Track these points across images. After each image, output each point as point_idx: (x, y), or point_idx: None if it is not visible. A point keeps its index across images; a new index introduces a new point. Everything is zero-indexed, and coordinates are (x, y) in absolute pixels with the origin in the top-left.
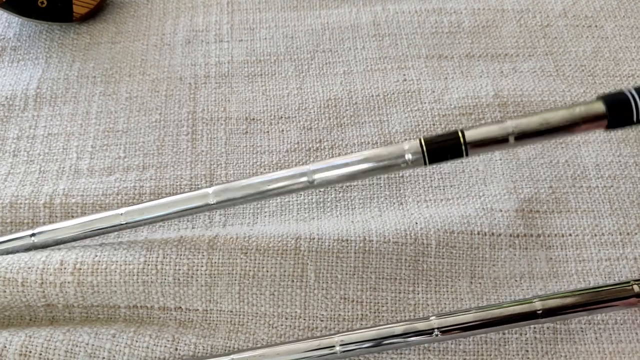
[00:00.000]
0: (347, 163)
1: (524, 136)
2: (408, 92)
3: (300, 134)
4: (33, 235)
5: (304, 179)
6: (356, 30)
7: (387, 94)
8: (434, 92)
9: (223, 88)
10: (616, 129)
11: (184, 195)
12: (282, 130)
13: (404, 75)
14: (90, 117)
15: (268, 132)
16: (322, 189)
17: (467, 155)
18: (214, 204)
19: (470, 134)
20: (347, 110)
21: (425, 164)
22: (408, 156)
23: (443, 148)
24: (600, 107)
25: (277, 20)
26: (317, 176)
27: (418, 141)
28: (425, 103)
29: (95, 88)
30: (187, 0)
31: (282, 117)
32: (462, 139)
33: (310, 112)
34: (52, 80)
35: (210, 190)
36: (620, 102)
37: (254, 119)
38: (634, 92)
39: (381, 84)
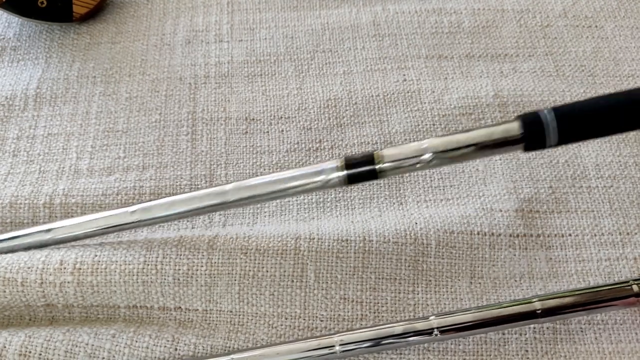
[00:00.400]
0: (265, 182)
1: (440, 158)
2: (408, 92)
3: (300, 134)
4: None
5: (220, 200)
6: (356, 30)
7: (387, 94)
8: (433, 92)
9: (223, 88)
10: (534, 151)
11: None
12: (282, 131)
13: (404, 75)
14: (90, 117)
15: (268, 132)
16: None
17: (384, 177)
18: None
19: (387, 154)
20: (347, 110)
21: (344, 185)
22: (322, 177)
23: (360, 173)
24: (516, 128)
25: (277, 21)
26: (233, 196)
27: (336, 163)
28: (425, 103)
29: (95, 88)
30: (187, 0)
31: (281, 117)
32: (378, 161)
33: (310, 112)
34: (52, 80)
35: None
36: (536, 125)
37: (253, 119)
38: (547, 115)
39: (381, 84)
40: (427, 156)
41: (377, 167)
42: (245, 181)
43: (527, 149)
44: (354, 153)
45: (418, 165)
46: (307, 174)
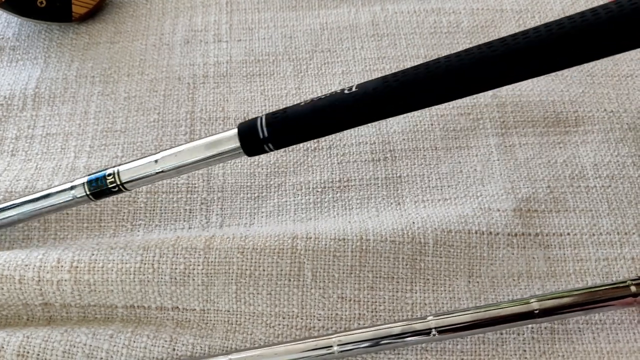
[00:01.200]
0: (22, 202)
1: (168, 169)
2: None
3: None
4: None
5: None
6: (355, 30)
7: None
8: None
9: (221, 88)
10: (257, 155)
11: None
12: None
13: None
14: (88, 117)
15: None
16: (319, 189)
17: (128, 190)
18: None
19: (123, 169)
20: None
21: (92, 200)
22: (71, 194)
23: (103, 189)
24: (234, 136)
25: (276, 20)
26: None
27: (83, 181)
28: None
29: (94, 88)
30: (185, 0)
31: None
32: (118, 178)
33: None
34: (51, 80)
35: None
36: (251, 132)
37: None
38: (259, 121)
39: None
40: (158, 168)
41: (117, 182)
42: (4, 204)
43: (250, 154)
44: (99, 170)
45: (154, 177)
46: (57, 192)
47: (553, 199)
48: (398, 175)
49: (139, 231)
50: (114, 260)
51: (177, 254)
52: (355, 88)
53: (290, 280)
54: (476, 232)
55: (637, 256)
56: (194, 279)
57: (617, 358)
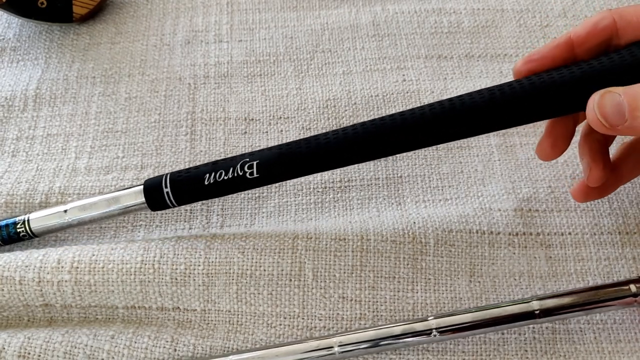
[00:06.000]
0: None
1: (78, 218)
2: (407, 92)
3: (299, 134)
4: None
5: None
6: (355, 30)
7: (386, 94)
8: (433, 92)
9: (222, 88)
10: (161, 210)
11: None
12: (281, 131)
13: (403, 75)
14: (89, 117)
15: (267, 132)
16: (320, 189)
17: (39, 237)
18: None
19: (33, 217)
20: (346, 110)
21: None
22: None
23: (12, 237)
24: (139, 193)
25: (277, 21)
26: None
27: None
28: (424, 103)
29: (95, 88)
30: (186, 0)
31: (281, 118)
32: (27, 225)
33: (309, 113)
34: (52, 80)
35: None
36: (155, 189)
37: (253, 119)
38: (164, 180)
39: (380, 84)
40: (68, 217)
41: (27, 229)
42: None
43: (154, 209)
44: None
45: (65, 224)
46: None
47: (554, 198)
48: (399, 175)
49: (139, 232)
50: (114, 260)
51: (178, 255)
52: (255, 165)
53: (291, 280)
54: (477, 232)
55: (638, 256)
56: (194, 279)
57: (619, 358)
